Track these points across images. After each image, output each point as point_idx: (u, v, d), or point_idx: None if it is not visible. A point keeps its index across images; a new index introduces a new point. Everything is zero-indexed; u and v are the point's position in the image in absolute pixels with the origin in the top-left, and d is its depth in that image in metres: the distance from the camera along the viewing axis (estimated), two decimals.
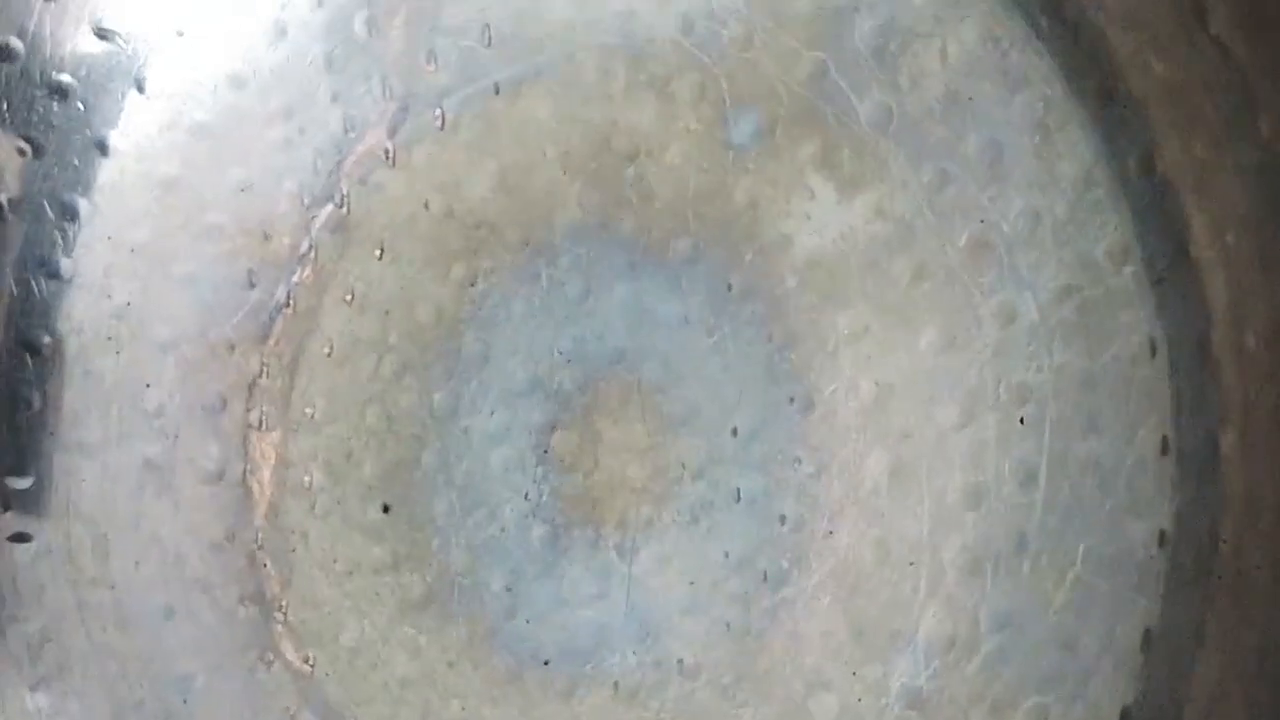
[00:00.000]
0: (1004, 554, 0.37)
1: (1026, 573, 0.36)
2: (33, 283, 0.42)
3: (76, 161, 0.41)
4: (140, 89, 0.41)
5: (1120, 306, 0.36)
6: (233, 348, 0.42)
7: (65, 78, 0.40)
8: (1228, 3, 0.31)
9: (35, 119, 0.40)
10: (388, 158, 0.41)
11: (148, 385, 0.42)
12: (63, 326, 0.42)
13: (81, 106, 0.41)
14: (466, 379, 0.40)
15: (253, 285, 0.42)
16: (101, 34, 0.41)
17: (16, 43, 0.40)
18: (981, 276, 0.38)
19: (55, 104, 0.40)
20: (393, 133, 0.41)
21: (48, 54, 0.40)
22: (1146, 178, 0.36)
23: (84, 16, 0.40)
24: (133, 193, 0.42)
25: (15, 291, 0.41)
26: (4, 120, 0.40)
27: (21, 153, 0.41)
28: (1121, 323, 0.36)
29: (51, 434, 0.41)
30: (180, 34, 0.41)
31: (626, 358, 0.40)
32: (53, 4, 0.40)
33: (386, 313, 0.41)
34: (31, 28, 0.40)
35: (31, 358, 0.41)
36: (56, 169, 0.41)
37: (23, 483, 0.41)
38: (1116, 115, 0.36)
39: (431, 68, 0.41)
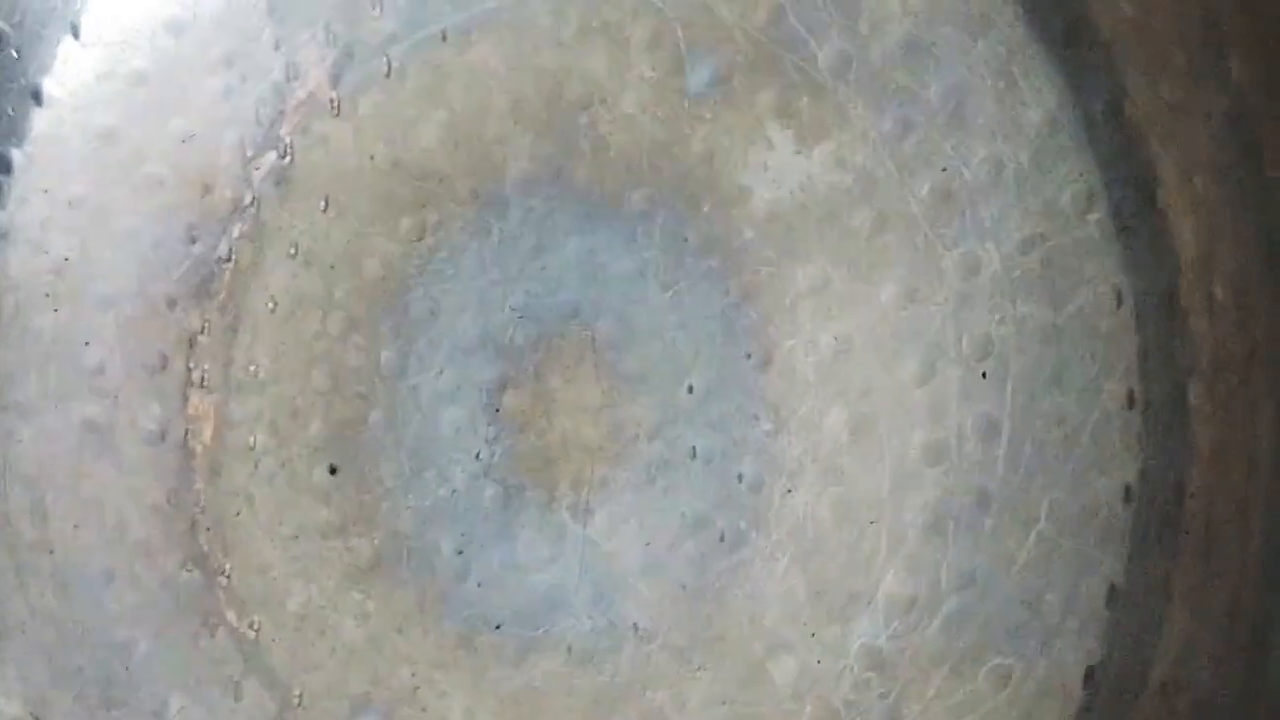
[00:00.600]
0: (966, 511, 0.36)
1: (989, 530, 0.36)
2: None
3: (10, 111, 0.40)
4: (76, 35, 0.40)
5: (1085, 256, 0.36)
6: (174, 304, 0.41)
7: None
8: None
9: None
10: (332, 107, 0.40)
11: (87, 343, 0.41)
12: None
13: (15, 54, 0.39)
14: (415, 336, 0.39)
15: (194, 240, 0.40)
16: None
17: None
18: (944, 227, 0.37)
19: None
20: (337, 81, 0.40)
21: None
22: (1113, 123, 0.35)
23: None
24: (69, 143, 0.41)
25: None
26: None
27: None
28: (1087, 273, 0.35)
29: None
30: None
31: (580, 313, 0.39)
32: None
33: (332, 268, 0.40)
34: None
35: None
36: None
37: None
38: (1083, 58, 0.35)
39: (377, 13, 0.40)
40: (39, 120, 0.41)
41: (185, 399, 0.41)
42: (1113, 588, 0.35)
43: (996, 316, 0.36)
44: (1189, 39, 0.32)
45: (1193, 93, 0.32)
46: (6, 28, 0.39)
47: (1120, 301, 0.35)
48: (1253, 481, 0.31)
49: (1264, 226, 0.31)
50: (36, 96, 0.40)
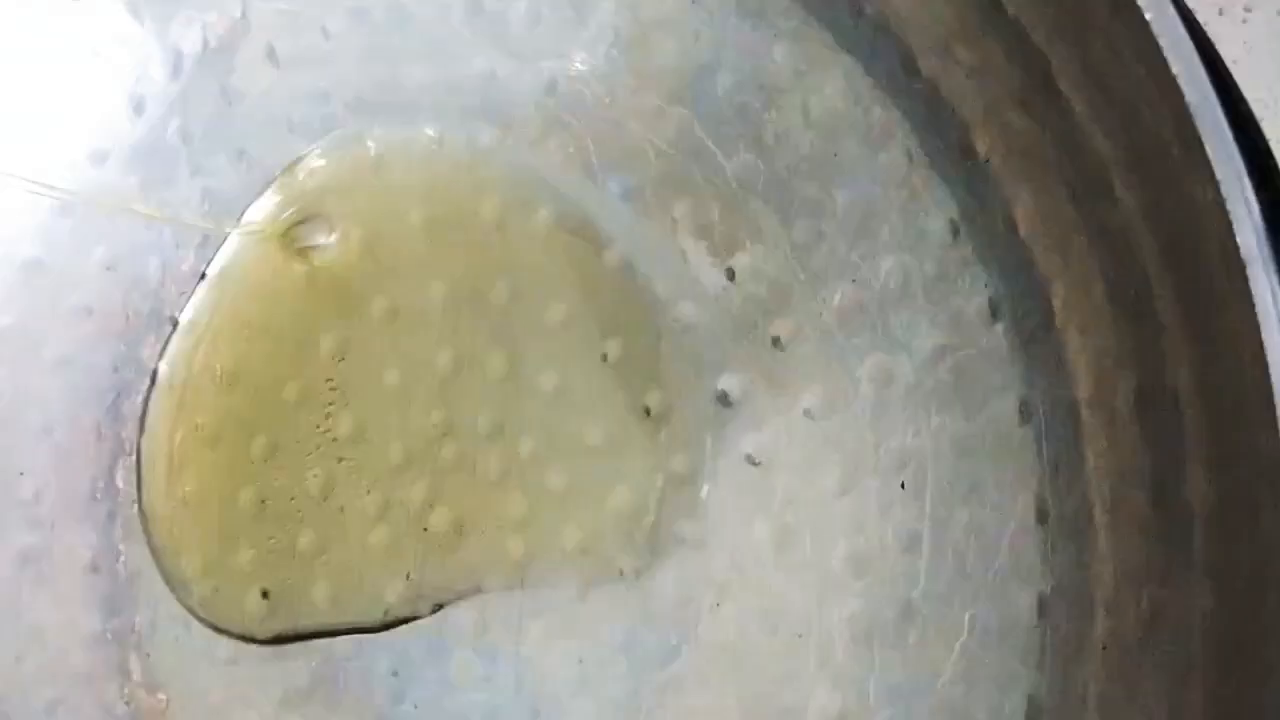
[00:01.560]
0: (891, 623, 0.35)
1: (914, 643, 0.35)
2: None
3: None
4: None
5: (993, 367, 0.35)
6: (104, 431, 0.40)
7: None
8: (1073, 65, 0.30)
9: None
10: (254, 231, 0.39)
11: (21, 473, 0.42)
12: None
13: None
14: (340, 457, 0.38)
15: (116, 368, 0.40)
16: None
17: None
18: (856, 338, 0.36)
19: None
20: (254, 205, 0.39)
21: None
22: (1012, 234, 0.34)
23: None
24: None
25: None
26: None
27: None
28: (995, 384, 0.35)
29: None
30: None
31: (505, 432, 0.38)
32: None
33: (255, 389, 0.39)
34: None
35: None
36: None
37: None
38: (979, 170, 0.35)
39: (292, 136, 0.39)
40: None
41: (119, 527, 0.40)
42: (1032, 702, 0.34)
43: (912, 428, 0.36)
44: (1074, 156, 0.32)
45: (1083, 207, 0.32)
46: None
47: (1028, 415, 0.35)
48: (1156, 596, 0.31)
49: (1157, 349, 0.30)
50: None
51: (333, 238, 0.40)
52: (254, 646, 0.40)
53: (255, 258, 0.40)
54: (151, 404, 0.40)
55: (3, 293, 0.41)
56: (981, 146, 0.35)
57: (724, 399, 0.38)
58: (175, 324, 0.41)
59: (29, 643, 0.41)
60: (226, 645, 0.40)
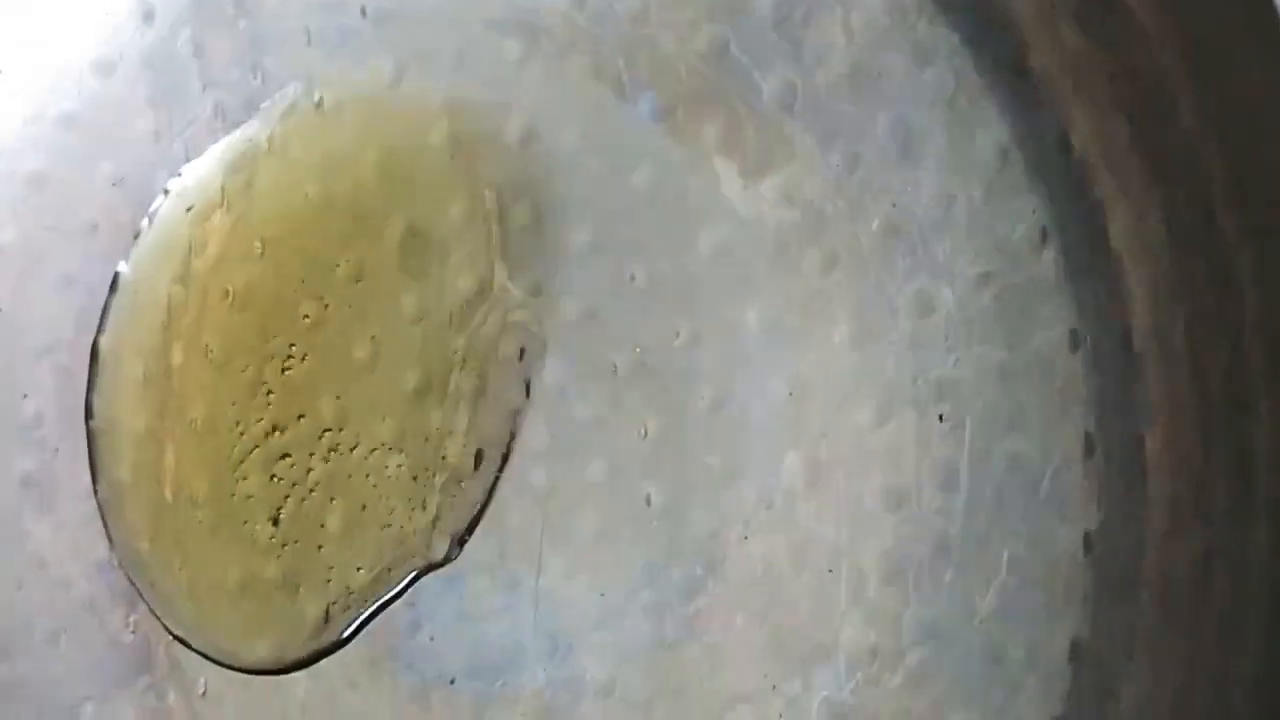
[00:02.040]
0: (926, 560, 0.34)
1: (950, 580, 0.34)
2: None
3: None
4: None
5: (1040, 296, 0.34)
6: None
7: None
8: None
9: None
10: (266, 144, 0.38)
11: (24, 395, 0.41)
12: None
13: None
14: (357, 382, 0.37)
15: None
16: None
17: None
18: (895, 265, 0.35)
19: None
20: (268, 119, 0.38)
21: None
22: (1064, 159, 0.33)
23: None
24: None
25: None
26: None
27: None
28: (1042, 313, 0.34)
29: None
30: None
31: (528, 359, 0.37)
32: None
33: (267, 312, 0.38)
34: None
35: None
36: None
37: None
38: (1030, 91, 0.34)
39: (308, 47, 0.38)
40: None
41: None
42: (1075, 642, 0.33)
43: (952, 358, 0.35)
44: (1136, 76, 0.30)
45: (1142, 131, 0.31)
46: None
47: (1077, 344, 0.34)
48: (1210, 535, 0.30)
49: (1218, 272, 0.29)
50: None
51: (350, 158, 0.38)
52: (263, 576, 0.38)
53: (268, 175, 0.38)
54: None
55: (5, 208, 0.40)
56: (1034, 64, 0.34)
57: (757, 326, 0.36)
58: (187, 242, 0.38)
59: (31, 570, 0.39)
60: (234, 574, 0.38)
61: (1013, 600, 0.34)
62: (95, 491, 0.38)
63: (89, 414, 0.39)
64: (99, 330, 0.39)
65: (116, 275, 0.39)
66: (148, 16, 0.40)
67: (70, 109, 0.40)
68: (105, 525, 0.38)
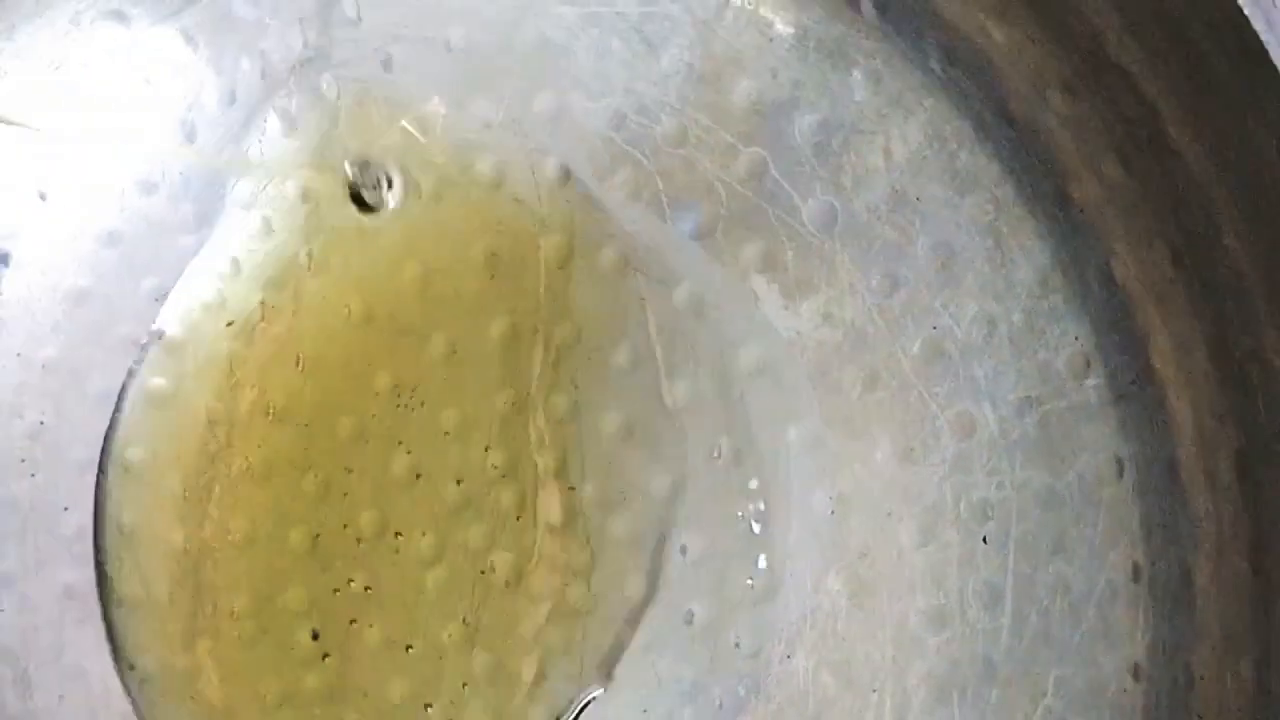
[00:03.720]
0: (971, 681, 0.35)
1: (995, 702, 0.34)
2: None
3: None
4: (43, 198, 0.39)
5: (1084, 421, 0.34)
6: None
7: None
8: (1182, 112, 0.29)
9: None
10: (307, 261, 0.38)
11: (65, 508, 0.40)
12: None
13: None
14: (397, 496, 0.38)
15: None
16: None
17: None
18: (937, 386, 0.36)
19: None
20: (310, 234, 0.39)
21: None
22: (1106, 287, 0.34)
23: None
24: (41, 305, 0.40)
25: None
26: None
27: None
28: (1086, 439, 0.34)
29: None
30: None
31: (567, 476, 0.37)
32: None
33: (307, 426, 0.38)
34: None
35: None
36: None
37: None
38: (1072, 221, 0.34)
39: (350, 168, 0.38)
40: (9, 283, 0.40)
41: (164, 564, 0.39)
42: None
43: (995, 480, 0.35)
44: (1179, 209, 0.31)
45: (1186, 263, 0.31)
46: None
47: (1121, 471, 0.34)
48: (1267, 671, 0.30)
49: (1268, 405, 0.29)
50: (4, 259, 0.39)
51: (390, 275, 0.38)
52: (303, 690, 0.38)
53: (310, 291, 0.39)
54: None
55: (48, 324, 0.40)
56: (1076, 196, 0.34)
57: (798, 444, 0.36)
58: (226, 358, 0.39)
59: (72, 681, 0.41)
60: (274, 688, 0.39)
61: None
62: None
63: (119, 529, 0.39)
64: (131, 443, 0.39)
65: (154, 390, 0.39)
66: (190, 136, 0.40)
67: (113, 227, 0.40)
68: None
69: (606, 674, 0.38)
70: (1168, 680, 0.33)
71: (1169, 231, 0.32)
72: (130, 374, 0.41)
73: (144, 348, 0.40)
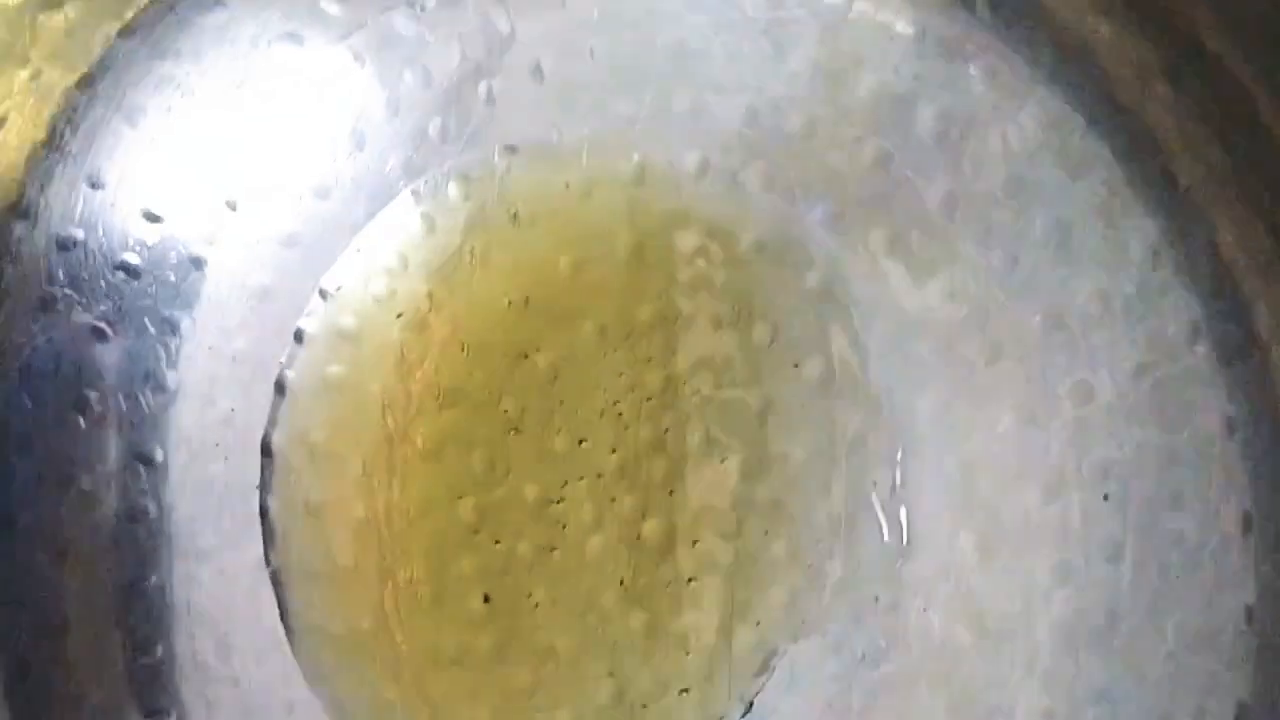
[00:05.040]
0: (1096, 630, 0.37)
1: (1119, 648, 0.37)
2: (141, 396, 0.42)
3: (173, 277, 0.42)
4: (233, 208, 0.42)
5: (1195, 385, 0.37)
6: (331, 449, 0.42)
7: (155, 208, 0.42)
8: (1274, 96, 0.31)
9: (131, 242, 0.41)
10: (469, 255, 0.41)
11: (256, 488, 0.43)
12: (172, 437, 0.43)
13: (170, 228, 0.42)
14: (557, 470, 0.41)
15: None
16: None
17: None
18: (1056, 356, 0.38)
19: (151, 225, 0.42)
20: (470, 230, 0.42)
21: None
22: (1212, 260, 0.36)
23: None
24: (229, 303, 0.43)
25: (125, 407, 0.42)
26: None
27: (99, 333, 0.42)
28: (1197, 401, 0.36)
29: (169, 541, 0.43)
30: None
31: (713, 449, 0.40)
32: None
33: (473, 407, 0.41)
34: None
35: (145, 468, 0.43)
36: (155, 286, 0.41)
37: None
38: (1177, 200, 0.36)
39: (505, 167, 0.41)
40: (202, 285, 0.43)
41: (346, 537, 0.43)
42: (1241, 706, 0.36)
43: (1114, 442, 0.37)
44: (1275, 185, 0.33)
45: None
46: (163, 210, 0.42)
47: (1232, 430, 0.36)
48: None
49: None
50: (197, 262, 0.42)
51: (544, 265, 0.41)
52: (475, 650, 0.41)
53: (471, 281, 0.42)
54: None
55: (237, 319, 0.44)
56: (1181, 178, 0.36)
57: (927, 413, 0.39)
58: (397, 346, 0.42)
59: (268, 645, 0.44)
60: (448, 648, 0.42)
61: (1180, 667, 0.37)
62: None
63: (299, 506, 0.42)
64: (314, 427, 0.43)
65: (333, 378, 0.43)
66: (359, 145, 0.43)
67: (292, 229, 0.44)
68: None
69: (752, 630, 0.40)
70: (1278, 623, 0.35)
71: (1267, 209, 0.34)
72: (310, 364, 0.43)
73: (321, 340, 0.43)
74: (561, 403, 0.41)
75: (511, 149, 0.43)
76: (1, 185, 0.41)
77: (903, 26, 0.40)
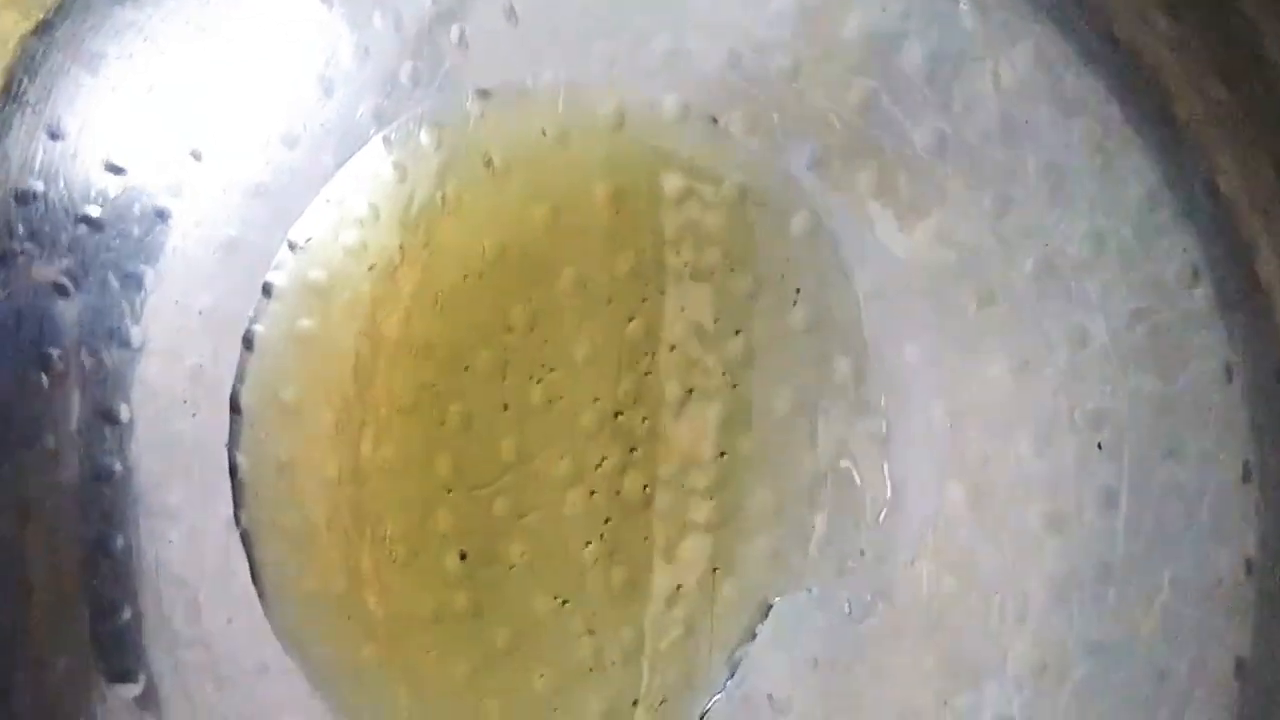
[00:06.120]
0: (1089, 581, 0.36)
1: (1113, 600, 0.36)
2: (104, 353, 0.42)
3: (137, 230, 0.41)
4: (198, 158, 0.41)
5: (1193, 330, 0.36)
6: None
7: (117, 159, 0.40)
8: None
9: (93, 194, 0.40)
10: (441, 204, 0.40)
11: (225, 445, 0.43)
12: (138, 393, 0.42)
13: (133, 179, 0.41)
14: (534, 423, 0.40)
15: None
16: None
17: None
18: (1050, 301, 0.37)
19: (113, 177, 0.41)
20: (443, 179, 0.40)
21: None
22: (1212, 200, 0.35)
23: None
24: (195, 256, 0.42)
25: (88, 363, 0.41)
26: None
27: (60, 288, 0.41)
28: (1195, 346, 0.36)
29: (136, 500, 0.42)
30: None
31: (694, 399, 0.39)
32: None
33: (448, 360, 0.40)
34: None
35: (110, 426, 0.42)
36: (118, 239, 0.40)
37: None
38: (1177, 138, 0.35)
39: (479, 113, 0.40)
40: (166, 237, 0.41)
41: (320, 494, 0.42)
42: (1240, 659, 0.35)
43: (1108, 389, 0.36)
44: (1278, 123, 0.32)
45: None
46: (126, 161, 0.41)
47: (1230, 376, 0.35)
48: None
49: None
50: (161, 215, 0.41)
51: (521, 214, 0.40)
52: (453, 608, 0.40)
53: (445, 232, 0.41)
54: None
55: (204, 274, 0.43)
56: (1181, 115, 0.35)
57: (916, 361, 0.38)
58: (369, 297, 0.41)
59: (239, 605, 0.44)
60: (426, 606, 0.41)
61: (1176, 619, 0.36)
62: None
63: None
64: (285, 382, 0.42)
65: (304, 332, 0.42)
66: (328, 91, 0.42)
67: (260, 179, 0.43)
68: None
69: (736, 584, 0.39)
70: (1278, 575, 0.34)
71: (1271, 145, 0.33)
72: (279, 318, 0.42)
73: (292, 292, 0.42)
74: (539, 355, 0.40)
75: (485, 94, 0.41)
76: None
77: None
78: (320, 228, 0.43)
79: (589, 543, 0.41)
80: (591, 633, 0.40)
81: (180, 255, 0.43)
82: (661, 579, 0.40)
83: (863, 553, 0.38)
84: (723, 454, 0.39)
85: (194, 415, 0.43)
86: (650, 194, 0.40)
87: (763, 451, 0.39)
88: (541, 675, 0.41)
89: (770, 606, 0.39)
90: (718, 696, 0.39)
